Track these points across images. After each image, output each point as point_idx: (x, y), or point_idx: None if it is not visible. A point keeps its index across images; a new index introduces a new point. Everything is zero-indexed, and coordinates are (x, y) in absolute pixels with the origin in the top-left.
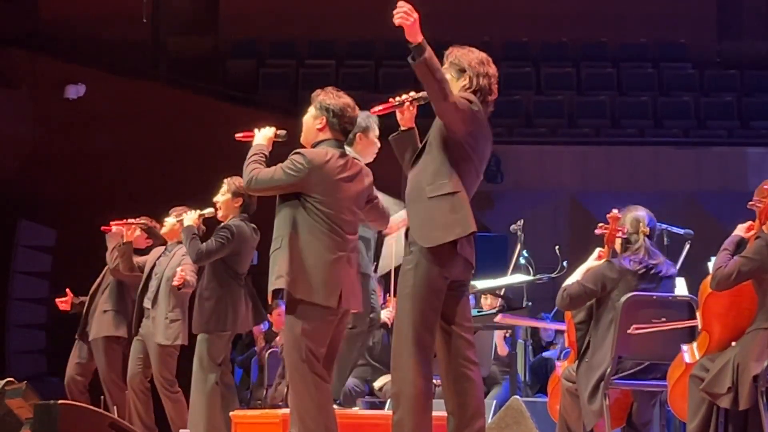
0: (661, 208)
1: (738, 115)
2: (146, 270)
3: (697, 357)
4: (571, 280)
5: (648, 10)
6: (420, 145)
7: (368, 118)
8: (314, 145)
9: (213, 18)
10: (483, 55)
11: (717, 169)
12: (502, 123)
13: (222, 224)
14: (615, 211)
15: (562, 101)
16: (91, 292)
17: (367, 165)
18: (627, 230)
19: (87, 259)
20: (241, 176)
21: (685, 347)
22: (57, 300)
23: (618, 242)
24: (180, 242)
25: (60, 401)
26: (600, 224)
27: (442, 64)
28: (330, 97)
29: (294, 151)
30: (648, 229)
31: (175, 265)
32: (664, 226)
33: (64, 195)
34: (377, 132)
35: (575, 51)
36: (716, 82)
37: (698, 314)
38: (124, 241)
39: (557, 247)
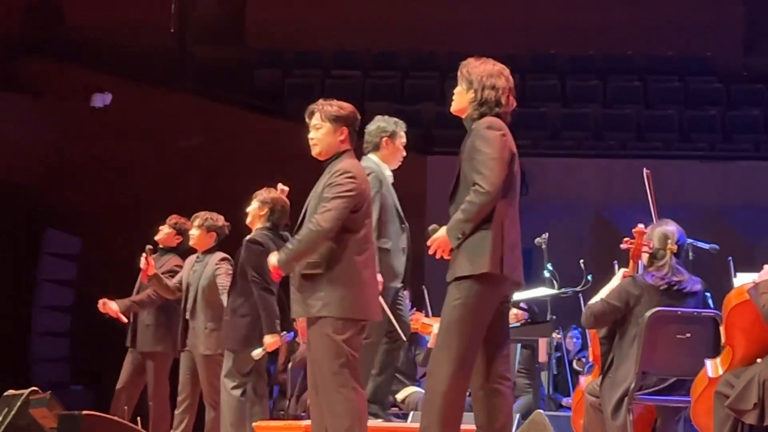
0: (686, 222)
1: (764, 129)
2: (183, 282)
3: (720, 372)
4: (595, 299)
5: (674, 24)
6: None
7: (395, 124)
8: (337, 156)
9: (239, 28)
10: (495, 68)
11: (742, 183)
12: (528, 135)
13: (245, 243)
14: (641, 225)
15: (588, 114)
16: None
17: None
18: (653, 245)
19: (112, 267)
20: (266, 185)
21: (708, 362)
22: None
23: (645, 256)
24: (209, 251)
25: (84, 412)
26: (625, 239)
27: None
28: (342, 108)
29: (337, 173)
30: (676, 246)
31: (210, 275)
32: (689, 240)
33: (90, 203)
34: (404, 139)
35: (601, 64)
36: (742, 96)
37: (722, 329)
38: (149, 274)
39: (582, 261)
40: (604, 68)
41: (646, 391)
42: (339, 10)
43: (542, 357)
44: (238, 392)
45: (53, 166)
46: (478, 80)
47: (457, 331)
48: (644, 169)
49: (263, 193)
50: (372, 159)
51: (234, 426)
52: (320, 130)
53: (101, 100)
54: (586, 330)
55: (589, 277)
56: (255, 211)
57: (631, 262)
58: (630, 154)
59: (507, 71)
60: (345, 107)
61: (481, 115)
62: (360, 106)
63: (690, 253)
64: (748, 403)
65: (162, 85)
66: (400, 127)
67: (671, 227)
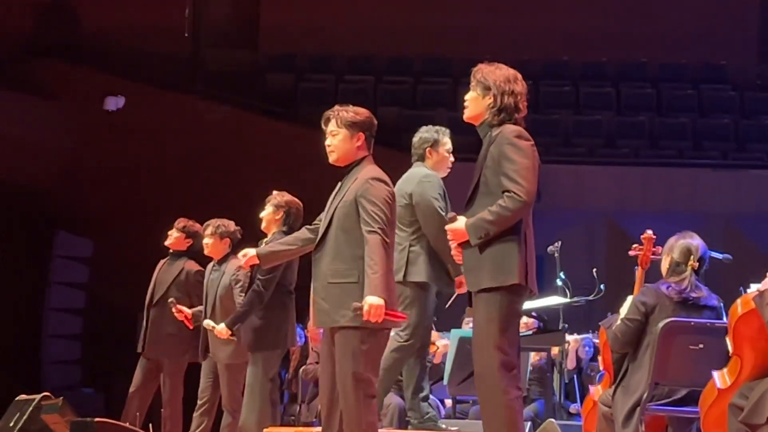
0: (699, 231)
1: None
2: (203, 290)
3: (728, 382)
4: (617, 321)
5: (689, 32)
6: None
7: (437, 132)
8: (358, 163)
9: (252, 32)
10: (510, 72)
11: (755, 192)
12: (540, 142)
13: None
14: (649, 232)
15: (600, 121)
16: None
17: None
18: (674, 258)
19: (123, 270)
20: (278, 189)
21: (716, 373)
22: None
23: (665, 264)
24: (224, 258)
25: (96, 419)
26: (634, 245)
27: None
28: (358, 114)
29: (373, 182)
30: (697, 263)
31: (227, 283)
32: None
33: (102, 206)
34: (449, 145)
35: (615, 71)
36: (756, 105)
37: (728, 339)
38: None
39: (595, 270)
40: (617, 75)
41: (659, 402)
42: (352, 15)
43: (571, 364)
44: (265, 395)
45: (65, 168)
46: (497, 85)
47: (498, 345)
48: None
49: (277, 197)
50: (424, 168)
51: (259, 430)
52: (337, 137)
53: (114, 103)
54: (598, 338)
55: (602, 286)
56: (270, 215)
57: (639, 269)
58: (643, 161)
59: (520, 76)
60: (361, 113)
61: (501, 122)
62: (373, 111)
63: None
64: (761, 417)
65: (175, 89)
66: (442, 135)
67: (695, 241)
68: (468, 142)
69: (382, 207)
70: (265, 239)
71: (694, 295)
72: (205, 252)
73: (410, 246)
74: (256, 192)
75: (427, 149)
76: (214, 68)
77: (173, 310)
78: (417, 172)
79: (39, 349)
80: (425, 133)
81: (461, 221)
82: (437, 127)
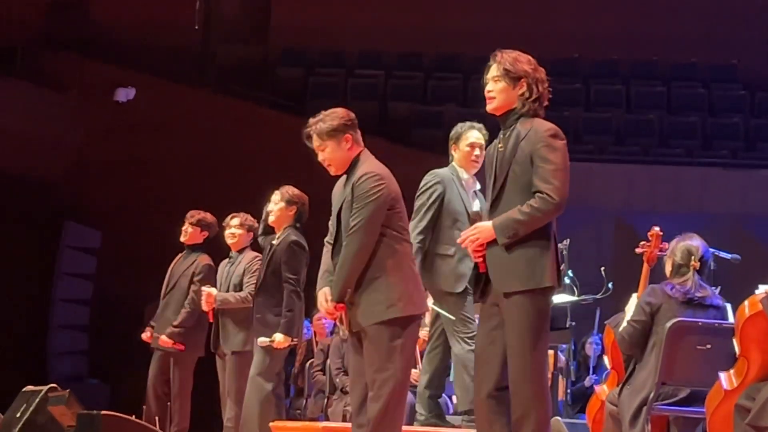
0: (707, 231)
1: None
2: (217, 281)
3: (735, 384)
4: (623, 324)
5: (700, 31)
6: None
7: (461, 127)
8: (354, 163)
9: (263, 26)
10: (533, 59)
11: (765, 192)
12: None
13: (287, 244)
14: (656, 228)
15: (610, 119)
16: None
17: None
18: (675, 261)
19: (131, 262)
20: (287, 183)
21: (722, 375)
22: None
23: (668, 266)
24: (242, 250)
25: (103, 412)
26: (642, 242)
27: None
28: (334, 117)
29: (365, 176)
30: (698, 263)
31: (240, 273)
32: (711, 250)
33: (111, 198)
34: (470, 139)
35: (625, 69)
36: (766, 104)
37: (735, 341)
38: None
39: (603, 268)
40: (628, 73)
41: (663, 401)
42: (363, 10)
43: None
44: (270, 389)
45: (75, 160)
46: (528, 74)
47: (535, 346)
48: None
49: (288, 192)
50: (453, 166)
51: (262, 423)
52: (326, 150)
53: (125, 94)
54: (605, 337)
55: (610, 285)
56: (283, 210)
57: (645, 265)
58: (652, 160)
59: None
60: (335, 116)
61: (532, 112)
62: (383, 106)
63: (711, 263)
64: (767, 419)
65: (185, 83)
66: (465, 129)
67: (695, 242)
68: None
69: (366, 204)
70: (278, 235)
71: (699, 294)
72: (229, 242)
73: None
74: (265, 186)
75: (452, 146)
76: (225, 62)
77: (201, 297)
78: (434, 173)
79: (46, 340)
80: (452, 131)
81: (488, 222)
82: (466, 123)
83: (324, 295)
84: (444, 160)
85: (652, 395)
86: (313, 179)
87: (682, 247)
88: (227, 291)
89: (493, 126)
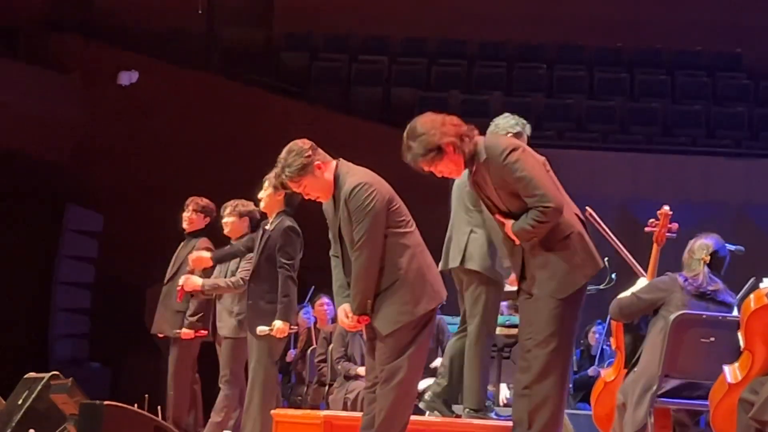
0: (711, 220)
1: None
2: (217, 268)
3: (739, 377)
4: (626, 293)
5: (704, 19)
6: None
7: (518, 124)
8: (337, 178)
9: (267, 10)
10: (436, 119)
11: None
12: (554, 126)
13: (282, 229)
14: (666, 207)
15: (614, 107)
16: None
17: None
18: (690, 255)
19: (133, 246)
20: None
21: (726, 368)
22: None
23: (684, 260)
24: (241, 237)
25: (106, 402)
26: (650, 220)
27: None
28: (296, 155)
29: (354, 189)
30: (708, 257)
31: (238, 260)
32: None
33: (113, 181)
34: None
35: (630, 57)
36: None
37: (740, 334)
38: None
39: (607, 258)
40: (632, 61)
41: (665, 389)
42: None
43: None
44: (270, 376)
45: (78, 142)
46: (436, 139)
47: (562, 339)
48: (586, 208)
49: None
50: None
51: (264, 410)
52: (308, 186)
53: (128, 77)
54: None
55: (614, 276)
56: (272, 196)
57: (654, 246)
58: (656, 148)
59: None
60: (295, 155)
61: (473, 149)
62: (386, 91)
63: (726, 260)
64: None
65: (188, 66)
66: (522, 127)
67: (709, 240)
68: (488, 124)
69: (365, 216)
70: (271, 221)
71: (711, 288)
72: (225, 231)
73: (471, 232)
74: (268, 170)
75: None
76: (228, 46)
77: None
78: None
79: (47, 323)
80: (503, 119)
81: (511, 222)
82: (521, 119)
83: (344, 312)
84: None
85: (655, 387)
86: None
87: (696, 244)
88: (225, 276)
89: (496, 113)
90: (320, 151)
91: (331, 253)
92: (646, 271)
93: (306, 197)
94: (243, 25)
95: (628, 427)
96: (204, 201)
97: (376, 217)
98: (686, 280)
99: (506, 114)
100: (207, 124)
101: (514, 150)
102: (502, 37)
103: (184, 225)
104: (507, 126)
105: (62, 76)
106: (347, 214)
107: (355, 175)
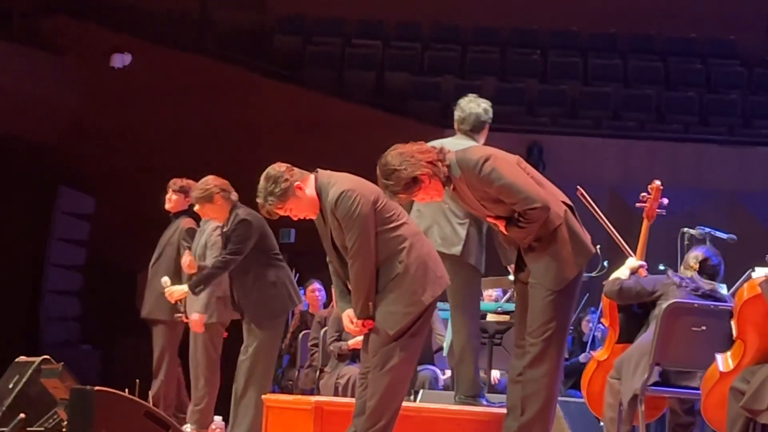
0: (704, 207)
1: None
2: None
3: (731, 366)
4: (619, 275)
5: (699, 6)
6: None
7: (491, 107)
8: (321, 189)
9: None
10: (405, 152)
11: (761, 168)
12: (546, 112)
13: (233, 224)
14: (657, 182)
15: (607, 93)
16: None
17: None
18: (685, 264)
19: (124, 228)
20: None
21: (719, 356)
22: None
23: (682, 268)
24: (179, 214)
25: (96, 388)
26: (642, 194)
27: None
28: (276, 181)
29: (338, 199)
30: (697, 264)
31: (203, 244)
32: (707, 230)
33: (105, 163)
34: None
35: (623, 43)
36: (764, 81)
37: (732, 323)
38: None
39: (599, 246)
40: (625, 47)
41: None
42: None
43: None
44: (270, 364)
45: (71, 124)
46: (411, 172)
47: (558, 327)
48: (577, 187)
49: (206, 187)
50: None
51: (258, 399)
52: (293, 209)
53: (121, 60)
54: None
55: (605, 263)
56: (217, 204)
57: (644, 222)
58: (649, 135)
59: (408, 148)
60: (275, 181)
61: (449, 172)
62: (380, 76)
63: (707, 242)
64: (762, 403)
65: (182, 49)
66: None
67: (698, 251)
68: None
69: (353, 223)
70: (228, 222)
71: (707, 288)
72: (166, 207)
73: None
74: (263, 152)
75: (488, 125)
76: (222, 28)
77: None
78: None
79: (39, 305)
80: (486, 104)
81: None
82: (487, 104)
83: (348, 318)
84: (439, 131)
85: (646, 376)
86: (308, 148)
87: (691, 255)
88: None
89: (490, 99)
90: (296, 170)
91: (327, 260)
92: (635, 251)
93: (294, 219)
94: (237, 8)
95: (625, 395)
96: (184, 181)
97: (364, 222)
98: (683, 279)
99: (470, 97)
100: (200, 107)
101: (486, 160)
102: (496, 22)
103: (167, 206)
104: (474, 111)
105: (55, 58)
106: (337, 223)
107: (337, 183)
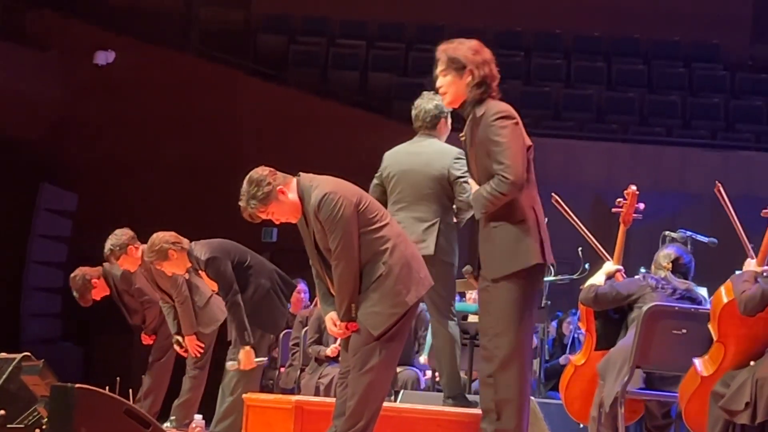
0: (686, 211)
1: (767, 119)
2: None
3: (712, 370)
4: (594, 281)
5: (682, 9)
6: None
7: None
8: (303, 192)
9: None
10: (474, 43)
11: (743, 173)
12: (530, 114)
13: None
14: (633, 187)
15: (591, 96)
16: None
17: None
18: (656, 265)
19: (107, 225)
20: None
21: (697, 361)
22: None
23: (653, 267)
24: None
25: (77, 385)
26: (618, 200)
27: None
28: (259, 184)
29: (321, 201)
30: (670, 264)
31: None
32: (689, 233)
33: (88, 160)
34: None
35: (607, 45)
36: (747, 85)
37: (710, 326)
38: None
39: (580, 249)
40: (609, 50)
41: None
42: None
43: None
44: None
45: (53, 120)
46: (469, 60)
47: (520, 327)
48: (551, 194)
49: (160, 248)
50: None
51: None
52: (274, 212)
53: (104, 57)
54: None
55: (587, 266)
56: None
57: (621, 227)
58: (632, 138)
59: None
60: (259, 184)
61: (482, 97)
62: (364, 76)
63: (688, 246)
64: (740, 403)
65: (166, 46)
66: None
67: (669, 249)
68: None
69: (336, 225)
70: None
71: (682, 287)
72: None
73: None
74: (244, 151)
75: (444, 119)
76: (206, 26)
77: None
78: (447, 147)
79: (19, 302)
80: (438, 99)
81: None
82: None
83: (331, 320)
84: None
85: (626, 379)
86: (291, 146)
87: (661, 254)
88: None
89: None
90: (279, 174)
91: (310, 263)
92: (612, 255)
93: (276, 222)
94: (221, 6)
95: (607, 399)
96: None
97: (347, 224)
98: (658, 281)
99: (425, 94)
100: (183, 105)
101: (507, 117)
102: (479, 23)
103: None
104: (424, 107)
105: (40, 54)
106: (320, 226)
107: (319, 186)
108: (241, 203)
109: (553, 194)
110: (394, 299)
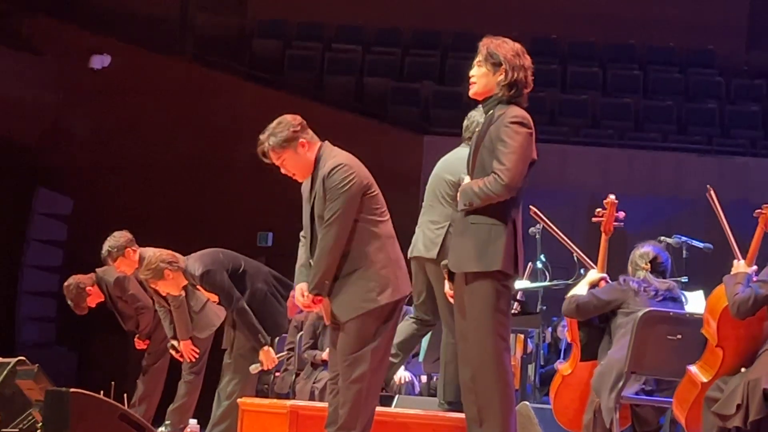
0: (682, 216)
1: (762, 125)
2: None
3: (711, 374)
4: (576, 291)
5: (678, 15)
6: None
7: None
8: (318, 160)
9: None
10: (518, 46)
11: (738, 179)
12: None
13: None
14: (612, 196)
15: (586, 101)
16: None
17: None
18: (633, 265)
19: (102, 229)
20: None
21: (693, 368)
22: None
23: (629, 270)
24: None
25: (72, 389)
26: (597, 210)
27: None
28: (283, 127)
29: (334, 169)
30: (648, 264)
31: None
32: (684, 238)
33: (83, 164)
34: None
35: (603, 51)
36: (742, 91)
37: (705, 331)
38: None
39: (575, 255)
40: (605, 56)
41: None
42: None
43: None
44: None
45: (49, 125)
46: (507, 60)
47: (498, 332)
48: (530, 207)
49: (157, 268)
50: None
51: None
52: (286, 160)
53: (100, 61)
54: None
55: (582, 271)
56: (172, 283)
57: (603, 236)
58: (627, 143)
59: (525, 50)
60: (283, 127)
61: (510, 99)
62: (359, 81)
63: (684, 251)
64: (731, 408)
65: (161, 51)
66: None
67: (646, 248)
68: (457, 116)
69: (339, 196)
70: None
71: (663, 288)
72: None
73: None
74: (239, 156)
75: None
76: (202, 31)
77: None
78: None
79: (14, 306)
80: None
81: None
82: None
83: (300, 290)
84: (417, 137)
85: (621, 384)
86: None
87: (637, 254)
88: None
89: (468, 105)
90: (309, 131)
91: (301, 234)
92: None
93: (283, 172)
94: (217, 11)
95: (605, 415)
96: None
97: (350, 198)
98: (639, 284)
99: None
100: (179, 110)
101: (524, 125)
102: (476, 28)
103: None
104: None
105: (35, 59)
106: (323, 192)
107: (337, 156)
108: (262, 136)
109: (531, 207)
110: (367, 294)
